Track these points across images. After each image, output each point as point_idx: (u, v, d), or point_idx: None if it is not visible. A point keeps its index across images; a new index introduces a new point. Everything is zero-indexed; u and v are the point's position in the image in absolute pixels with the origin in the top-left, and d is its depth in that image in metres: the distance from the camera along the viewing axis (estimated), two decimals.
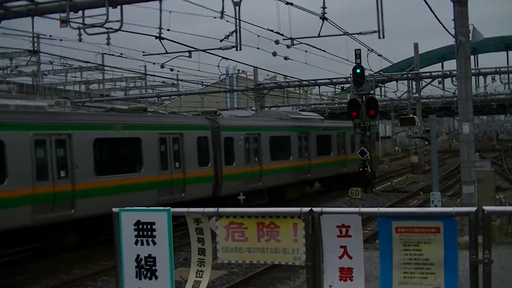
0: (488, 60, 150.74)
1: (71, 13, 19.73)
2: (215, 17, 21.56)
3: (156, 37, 21.58)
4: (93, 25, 20.18)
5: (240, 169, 28.68)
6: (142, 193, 22.44)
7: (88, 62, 38.08)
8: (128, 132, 22.96)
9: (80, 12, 20.05)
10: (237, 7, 21.66)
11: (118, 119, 23.29)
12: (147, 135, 23.50)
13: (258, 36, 26.95)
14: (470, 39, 18.61)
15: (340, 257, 6.20)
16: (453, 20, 18.31)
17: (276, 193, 32.59)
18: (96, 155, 21.36)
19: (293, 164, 33.85)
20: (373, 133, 40.58)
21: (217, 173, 27.25)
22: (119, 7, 19.48)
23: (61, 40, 33.56)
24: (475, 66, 75.82)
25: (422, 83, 54.08)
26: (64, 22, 19.78)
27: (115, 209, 7.04)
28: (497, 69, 50.96)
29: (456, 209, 5.98)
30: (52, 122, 20.13)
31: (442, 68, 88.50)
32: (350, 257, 6.18)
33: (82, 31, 20.52)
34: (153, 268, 6.85)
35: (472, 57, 23.93)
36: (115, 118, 23.47)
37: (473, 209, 5.80)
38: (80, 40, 21.38)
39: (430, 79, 53.70)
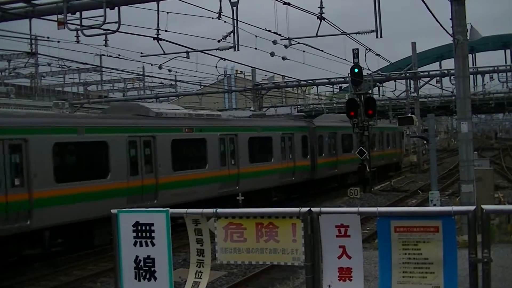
0: (486, 58, 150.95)
1: (69, 14, 19.76)
2: (212, 18, 21.52)
3: (154, 38, 21.56)
4: (90, 27, 20.20)
5: (328, 158, 37.94)
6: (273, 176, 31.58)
7: (86, 63, 37.97)
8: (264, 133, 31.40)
9: (77, 14, 20.08)
10: (234, 8, 21.66)
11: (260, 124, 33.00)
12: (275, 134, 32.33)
13: (256, 36, 26.96)
14: (468, 38, 18.62)
15: (339, 257, 6.19)
16: (450, 19, 18.33)
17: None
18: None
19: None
20: (398, 133, 50.70)
21: (313, 162, 35.96)
22: (116, 8, 19.51)
23: (59, 41, 33.46)
24: (473, 65, 75.92)
25: (420, 82, 54.20)
26: (62, 23, 19.79)
27: (113, 211, 7.04)
28: (495, 68, 51.00)
29: (455, 208, 5.98)
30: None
31: (440, 67, 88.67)
32: (349, 257, 6.17)
33: (79, 32, 20.51)
34: (152, 269, 6.84)
35: (470, 56, 23.92)
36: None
37: (472, 208, 5.80)
38: (78, 41, 21.31)
39: (428, 78, 53.77)
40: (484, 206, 5.78)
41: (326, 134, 38.36)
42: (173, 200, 22.51)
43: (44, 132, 19.57)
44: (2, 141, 17.95)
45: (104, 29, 20.06)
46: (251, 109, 53.27)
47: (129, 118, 24.25)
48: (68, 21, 19.76)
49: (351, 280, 6.19)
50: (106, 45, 22.69)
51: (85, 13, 20.17)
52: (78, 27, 20.17)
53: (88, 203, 20.13)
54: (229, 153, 27.84)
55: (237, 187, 27.69)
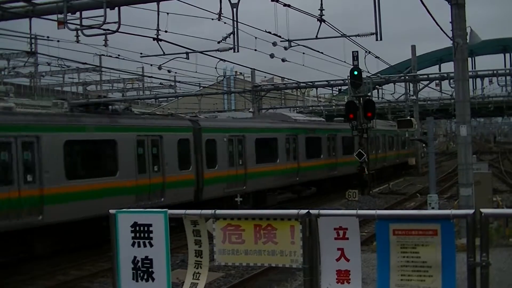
0: (485, 62, 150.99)
1: (69, 14, 19.76)
2: (212, 19, 21.52)
3: (154, 39, 21.56)
4: (90, 27, 20.20)
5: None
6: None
7: (85, 63, 38.02)
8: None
9: (77, 14, 20.09)
10: (234, 9, 21.66)
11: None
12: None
13: (256, 38, 26.96)
14: (468, 41, 18.62)
15: (337, 260, 6.19)
16: (450, 22, 18.32)
17: None
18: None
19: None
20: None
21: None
22: (116, 8, 19.52)
23: (58, 41, 33.44)
24: (472, 68, 75.86)
25: (419, 85, 54.21)
26: (62, 23, 19.80)
27: (112, 211, 7.03)
28: (495, 72, 50.99)
29: (454, 211, 5.99)
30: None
31: (440, 70, 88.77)
32: (347, 260, 6.17)
33: (79, 32, 20.52)
34: (150, 270, 6.84)
35: (469, 59, 23.90)
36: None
37: (471, 211, 5.80)
38: (77, 41, 21.33)
39: (428, 81, 53.79)
40: (483, 210, 5.77)
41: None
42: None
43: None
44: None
45: (104, 29, 20.07)
46: (250, 110, 53.27)
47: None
48: (68, 21, 19.77)
49: (349, 282, 6.19)
50: (105, 45, 22.71)
51: (85, 13, 20.18)
52: (78, 27, 20.18)
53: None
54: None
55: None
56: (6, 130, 18.39)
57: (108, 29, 20.03)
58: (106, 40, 22.42)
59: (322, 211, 6.30)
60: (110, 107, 25.11)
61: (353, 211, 6.19)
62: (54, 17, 20.22)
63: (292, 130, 34.41)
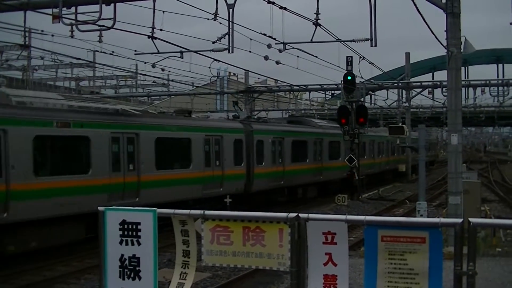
0: (478, 72, 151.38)
1: (64, 8, 19.71)
2: (208, 19, 21.53)
3: (149, 37, 21.56)
4: (85, 22, 20.16)
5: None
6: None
7: (79, 58, 37.96)
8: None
9: (73, 8, 20.03)
10: (230, 10, 21.68)
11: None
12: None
13: (251, 39, 26.98)
14: (462, 50, 18.66)
15: (325, 264, 6.19)
16: (445, 31, 18.36)
17: None
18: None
19: None
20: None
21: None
22: (112, 4, 19.48)
23: (52, 35, 33.44)
24: (465, 78, 76.14)
25: (412, 93, 54.32)
26: (57, 17, 19.74)
27: (101, 208, 7.01)
28: (487, 82, 51.14)
29: (442, 220, 6.01)
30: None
31: (433, 78, 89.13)
32: (335, 264, 6.17)
33: (74, 27, 20.46)
34: (137, 268, 6.82)
35: (462, 68, 23.99)
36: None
37: (459, 220, 5.81)
38: (72, 36, 21.29)
39: (421, 89, 53.94)
40: (471, 219, 5.79)
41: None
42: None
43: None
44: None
45: (99, 25, 20.03)
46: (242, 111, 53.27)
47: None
48: (63, 15, 19.71)
49: (335, 287, 6.19)
50: (100, 41, 22.70)
51: (81, 8, 20.14)
52: (73, 22, 20.12)
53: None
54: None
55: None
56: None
57: (103, 25, 20.01)
58: (100, 36, 22.42)
59: (311, 215, 6.30)
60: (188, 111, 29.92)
61: (342, 216, 6.19)
62: (49, 11, 20.18)
63: (318, 134, 39.38)
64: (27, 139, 18.71)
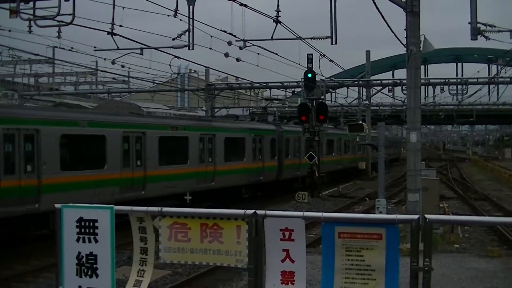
0: (438, 70, 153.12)
1: (22, 3, 19.45)
2: (168, 15, 21.45)
3: (108, 33, 21.41)
4: (44, 17, 19.92)
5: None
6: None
7: (38, 54, 37.56)
8: None
9: (31, 3, 19.76)
10: (191, 6, 21.65)
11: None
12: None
13: (211, 36, 26.90)
14: (421, 49, 18.80)
15: (283, 261, 6.22)
16: (405, 29, 18.49)
17: None
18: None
19: None
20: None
21: None
22: (71, 0, 19.26)
23: (10, 31, 33.02)
24: (425, 76, 76.72)
25: (372, 91, 54.62)
26: (14, 12, 19.47)
27: (57, 205, 6.95)
28: (446, 80, 51.61)
29: (399, 216, 6.05)
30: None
31: (393, 76, 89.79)
32: (293, 261, 6.20)
33: (32, 22, 20.21)
34: (94, 266, 6.78)
35: (422, 67, 24.24)
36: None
37: (415, 217, 5.87)
38: (30, 32, 21.04)
39: (381, 87, 54.19)
40: (427, 216, 5.85)
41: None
42: None
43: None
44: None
45: (57, 21, 19.81)
46: (203, 109, 53.12)
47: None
48: (21, 10, 19.45)
49: (293, 283, 6.22)
50: (59, 37, 22.47)
51: (39, 3, 19.84)
52: (31, 17, 19.87)
53: None
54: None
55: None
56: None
57: (62, 21, 19.80)
58: (59, 32, 22.20)
59: (269, 212, 6.32)
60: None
61: (300, 213, 6.22)
62: (7, 5, 19.89)
63: (329, 135, 48.38)
64: (156, 138, 25.70)
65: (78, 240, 6.82)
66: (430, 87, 55.18)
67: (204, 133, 29.75)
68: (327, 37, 23.62)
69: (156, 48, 28.14)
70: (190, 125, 29.38)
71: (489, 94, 71.23)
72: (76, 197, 19.32)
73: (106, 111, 26.55)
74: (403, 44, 18.64)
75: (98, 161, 22.89)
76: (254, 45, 27.55)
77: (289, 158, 39.90)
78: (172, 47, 27.07)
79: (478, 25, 21.58)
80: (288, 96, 64.23)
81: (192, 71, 69.44)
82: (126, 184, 23.68)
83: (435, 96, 59.28)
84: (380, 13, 17.01)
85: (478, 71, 69.57)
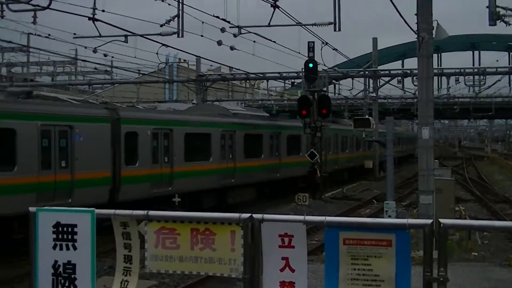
0: (452, 59, 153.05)
1: None
2: (155, 0, 21.43)
3: (89, 19, 21.35)
4: (18, 1, 19.88)
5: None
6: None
7: (11, 42, 37.47)
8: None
9: None
10: None
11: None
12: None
13: (203, 22, 26.83)
14: (434, 36, 18.77)
15: (282, 270, 6.18)
16: (415, 15, 18.46)
17: None
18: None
19: None
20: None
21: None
22: None
23: None
24: (438, 66, 76.84)
25: (380, 82, 54.60)
26: None
27: (32, 208, 6.91)
28: (462, 70, 51.67)
29: (410, 221, 5.99)
30: None
31: (403, 66, 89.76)
32: (292, 270, 6.16)
33: (4, 6, 20.16)
34: (73, 276, 6.73)
35: (435, 55, 24.18)
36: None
37: (429, 221, 5.83)
38: (2, 17, 20.98)
39: (389, 78, 54.22)
40: (442, 220, 5.81)
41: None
42: None
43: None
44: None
45: (33, 5, 19.77)
46: (193, 102, 53.07)
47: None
48: None
49: None
50: (34, 22, 22.41)
51: None
52: (3, 0, 19.83)
53: None
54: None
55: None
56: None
57: (37, 5, 19.75)
58: (35, 17, 22.13)
59: (266, 216, 6.28)
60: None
61: (300, 217, 6.18)
62: None
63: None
64: (242, 135, 34.29)
65: (54, 247, 6.77)
66: (444, 78, 55.45)
67: (273, 131, 38.66)
68: (330, 23, 23.62)
69: (142, 35, 28.09)
70: (263, 124, 37.92)
71: (509, 85, 71.28)
72: (195, 183, 29.31)
73: (206, 113, 34.60)
74: (413, 31, 18.62)
75: (206, 154, 31.14)
76: (249, 32, 27.53)
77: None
78: (160, 34, 27.05)
79: (497, 9, 21.49)
80: (287, 88, 64.27)
81: (182, 61, 69.37)
82: (226, 172, 32.42)
83: (449, 87, 59.27)
84: None
85: (497, 60, 69.75)
